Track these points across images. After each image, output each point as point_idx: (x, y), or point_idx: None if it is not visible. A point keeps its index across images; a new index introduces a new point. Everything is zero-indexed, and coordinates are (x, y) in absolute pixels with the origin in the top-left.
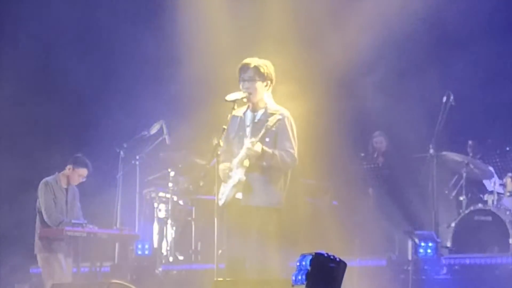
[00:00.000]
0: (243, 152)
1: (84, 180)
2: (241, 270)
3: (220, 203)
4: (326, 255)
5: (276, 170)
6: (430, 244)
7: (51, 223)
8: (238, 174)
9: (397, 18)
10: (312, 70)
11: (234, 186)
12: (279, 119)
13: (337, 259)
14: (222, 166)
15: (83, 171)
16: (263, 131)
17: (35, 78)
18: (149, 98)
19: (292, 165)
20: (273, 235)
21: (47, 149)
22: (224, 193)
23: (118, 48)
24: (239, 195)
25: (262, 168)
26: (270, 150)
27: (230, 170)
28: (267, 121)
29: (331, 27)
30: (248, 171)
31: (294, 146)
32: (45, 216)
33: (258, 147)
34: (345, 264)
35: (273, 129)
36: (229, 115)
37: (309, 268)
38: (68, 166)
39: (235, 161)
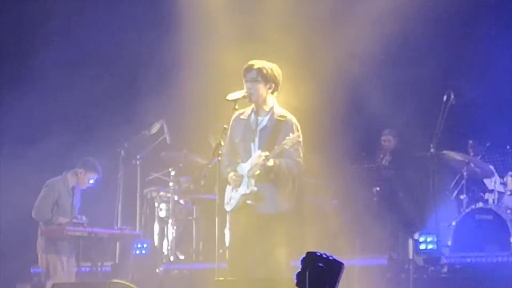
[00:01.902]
0: (254, 162)
1: (92, 184)
2: (244, 272)
3: (228, 208)
4: (318, 254)
5: (282, 177)
6: (430, 239)
7: (37, 218)
8: (250, 185)
9: (398, 16)
10: (314, 69)
11: (244, 195)
12: (298, 141)
13: (331, 259)
14: (233, 175)
15: (94, 175)
16: (278, 148)
17: (34, 76)
18: (149, 97)
19: (299, 174)
20: (280, 240)
21: (48, 149)
22: (233, 198)
23: (118, 48)
24: (248, 202)
25: (269, 178)
26: (278, 162)
27: (242, 178)
28: (284, 139)
29: (333, 24)
30: (257, 181)
31: (301, 154)
32: (33, 211)
33: (271, 163)
34: (339, 264)
35: (291, 150)
36: (233, 117)
37: (300, 267)
38: (80, 170)
39: (245, 169)
